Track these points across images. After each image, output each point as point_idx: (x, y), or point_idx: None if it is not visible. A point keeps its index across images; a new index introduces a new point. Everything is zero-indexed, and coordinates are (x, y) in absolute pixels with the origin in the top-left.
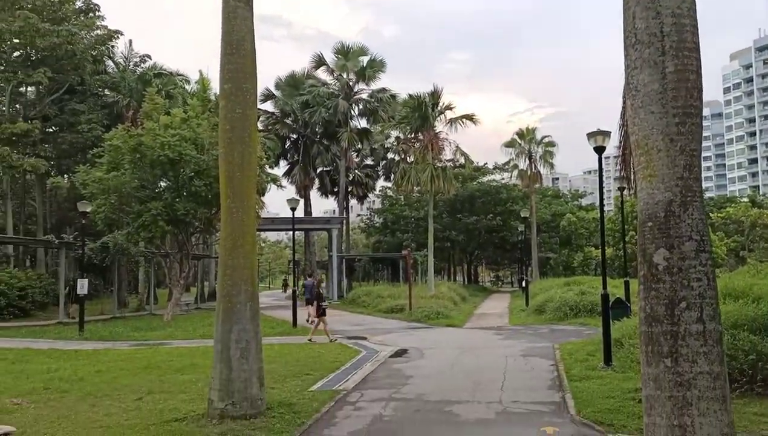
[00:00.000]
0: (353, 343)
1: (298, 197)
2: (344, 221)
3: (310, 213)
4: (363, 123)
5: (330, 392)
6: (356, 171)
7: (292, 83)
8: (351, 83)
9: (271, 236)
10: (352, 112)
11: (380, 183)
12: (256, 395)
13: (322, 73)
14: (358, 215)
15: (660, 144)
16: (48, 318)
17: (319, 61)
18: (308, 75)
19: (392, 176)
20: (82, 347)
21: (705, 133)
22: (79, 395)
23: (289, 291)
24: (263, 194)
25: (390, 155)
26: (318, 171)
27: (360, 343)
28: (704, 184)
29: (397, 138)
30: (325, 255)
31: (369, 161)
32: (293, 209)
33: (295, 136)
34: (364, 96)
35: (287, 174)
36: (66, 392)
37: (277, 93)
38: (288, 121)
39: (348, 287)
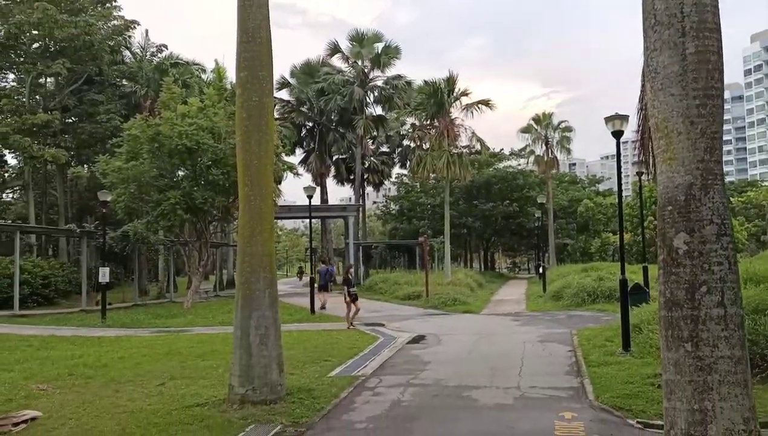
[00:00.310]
0: (371, 329)
1: (314, 185)
2: (360, 209)
3: (327, 201)
4: (378, 110)
5: (348, 378)
6: (372, 158)
7: (307, 71)
8: (366, 70)
9: (288, 223)
10: (368, 99)
11: (396, 170)
12: (276, 380)
13: (337, 61)
14: (374, 203)
15: (680, 127)
16: (71, 306)
17: (334, 49)
18: (323, 63)
19: (408, 163)
20: (104, 334)
21: (725, 117)
22: (103, 380)
23: (305, 279)
24: (279, 182)
25: (406, 142)
26: (334, 159)
27: (377, 329)
28: (725, 168)
29: (413, 125)
30: (342, 243)
31: (385, 148)
32: (310, 197)
33: (310, 124)
34: (380, 83)
35: (303, 162)
36: (90, 378)
37: (292, 81)
38: (303, 109)
39: (365, 274)
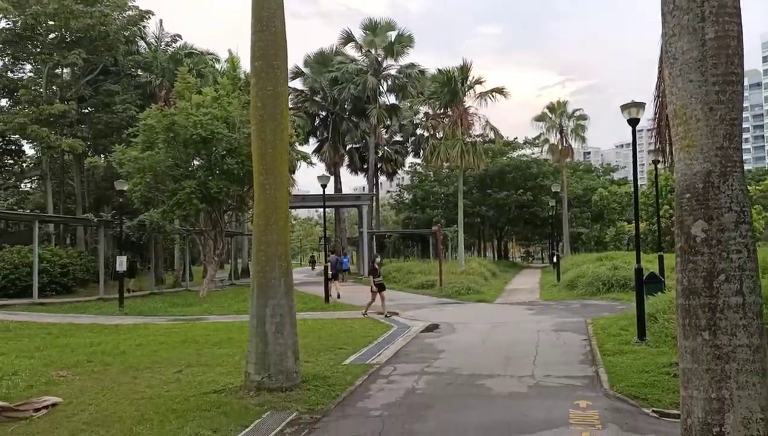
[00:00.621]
0: (385, 318)
1: (328, 174)
2: (374, 198)
3: (340, 190)
4: (392, 99)
5: (363, 366)
6: (385, 148)
7: (320, 60)
8: (379, 59)
9: (302, 213)
10: (381, 88)
11: (410, 159)
12: (292, 368)
13: (350, 50)
14: (388, 192)
15: (699, 113)
16: (89, 294)
17: (348, 38)
18: (337, 52)
19: (422, 152)
20: (122, 321)
21: (743, 103)
22: (121, 367)
23: (318, 268)
24: (293, 172)
25: (419, 131)
26: (347, 148)
27: (391, 318)
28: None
29: (426, 114)
30: (356, 232)
31: (398, 138)
32: (324, 186)
33: (324, 113)
34: (393, 72)
35: (316, 151)
36: (108, 365)
37: (306, 70)
38: (317, 98)
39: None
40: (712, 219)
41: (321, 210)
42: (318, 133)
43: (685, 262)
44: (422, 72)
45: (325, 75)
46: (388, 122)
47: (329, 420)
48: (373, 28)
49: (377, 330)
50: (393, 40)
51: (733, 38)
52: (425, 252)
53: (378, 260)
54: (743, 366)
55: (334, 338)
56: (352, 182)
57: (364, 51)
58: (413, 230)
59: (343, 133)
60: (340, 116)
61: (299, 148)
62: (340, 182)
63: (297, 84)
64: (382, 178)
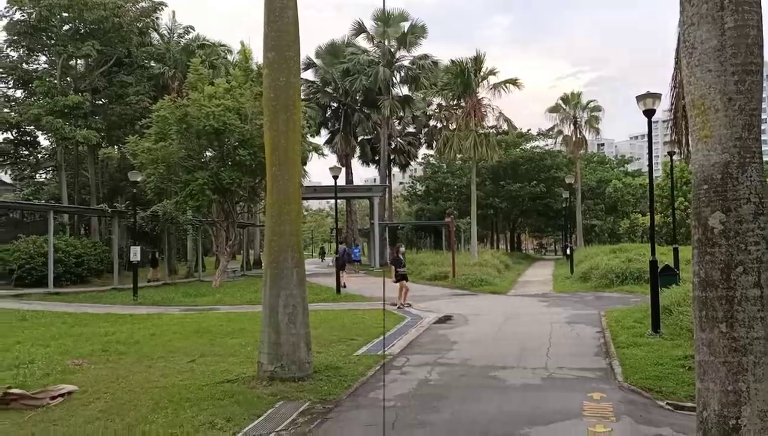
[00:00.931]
0: (397, 309)
1: (339, 166)
2: (387, 189)
3: (352, 181)
4: (404, 90)
5: (375, 357)
6: (398, 139)
7: (332, 52)
8: (392, 50)
9: (313, 204)
10: (394, 79)
11: (422, 151)
12: (304, 358)
13: (362, 41)
14: (401, 183)
15: (717, 103)
16: (103, 284)
17: (359, 29)
18: (348, 43)
19: (434, 144)
20: (136, 311)
21: (763, 94)
22: (136, 357)
23: (327, 260)
24: (305, 163)
25: (432, 123)
26: (359, 139)
27: (404, 309)
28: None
29: (439, 105)
30: (367, 223)
31: (411, 129)
32: (335, 177)
33: (335, 104)
34: (406, 63)
35: (328, 143)
36: (123, 354)
37: (317, 62)
38: (328, 89)
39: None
40: (730, 210)
41: (332, 201)
42: (329, 124)
43: (703, 254)
44: (435, 63)
45: (337, 66)
46: (401, 114)
47: (341, 410)
48: (385, 18)
49: (390, 321)
50: (406, 30)
51: (752, 27)
52: (438, 244)
53: (402, 249)
54: (760, 359)
55: (345, 329)
56: (364, 174)
57: (376, 42)
58: (426, 221)
59: (354, 125)
60: (351, 107)
61: (311, 139)
62: (352, 173)
63: (309, 75)
64: (395, 170)
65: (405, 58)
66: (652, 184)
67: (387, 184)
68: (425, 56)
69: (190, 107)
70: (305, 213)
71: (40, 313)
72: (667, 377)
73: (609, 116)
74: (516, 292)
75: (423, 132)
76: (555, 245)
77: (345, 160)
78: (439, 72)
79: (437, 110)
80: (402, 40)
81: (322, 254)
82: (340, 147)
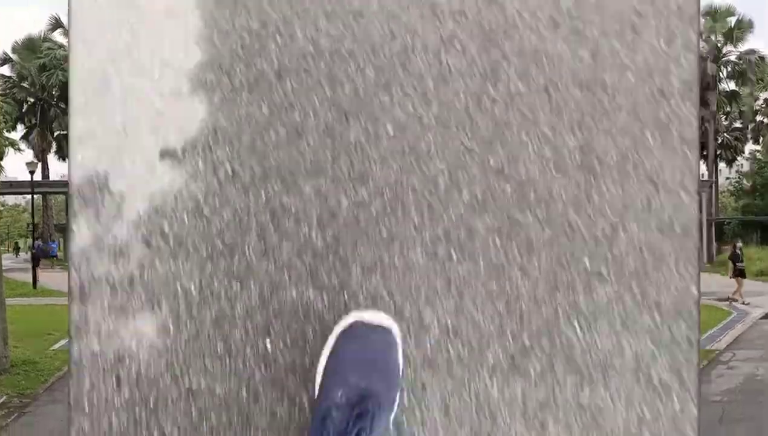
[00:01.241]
0: (725, 304)
1: (36, 161)
2: (713, 185)
3: (48, 177)
4: (731, 85)
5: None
6: (725, 134)
7: (30, 47)
8: (719, 45)
9: (10, 199)
10: (721, 74)
11: (749, 146)
12: (1, 352)
13: (58, 36)
14: (727, 178)
15: None
16: None
17: (56, 24)
18: (45, 38)
19: (761, 139)
20: None
21: None
22: None
23: (23, 255)
24: (1, 158)
25: (759, 118)
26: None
27: (732, 305)
28: None
29: (766, 100)
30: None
31: (737, 124)
32: (32, 172)
33: (32, 100)
34: (732, 58)
35: (24, 138)
36: None
37: (14, 57)
38: (25, 84)
39: (717, 251)
40: None
41: (29, 197)
42: (26, 119)
43: None
44: (762, 58)
45: (34, 62)
46: (728, 109)
47: (39, 404)
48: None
49: (715, 317)
50: (732, 25)
51: None
52: (765, 239)
53: (740, 245)
54: None
55: (43, 324)
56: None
57: (704, 37)
58: (752, 217)
59: (51, 120)
60: (48, 103)
61: (7, 134)
62: (48, 169)
63: (5, 70)
64: (722, 165)
65: (731, 53)
66: None
67: (714, 179)
68: (752, 51)
69: None
70: (1, 208)
71: None
72: None
73: None
74: None
75: (749, 127)
76: None
77: (42, 155)
78: (766, 67)
79: (764, 105)
80: (728, 35)
81: (17, 250)
82: (37, 142)
